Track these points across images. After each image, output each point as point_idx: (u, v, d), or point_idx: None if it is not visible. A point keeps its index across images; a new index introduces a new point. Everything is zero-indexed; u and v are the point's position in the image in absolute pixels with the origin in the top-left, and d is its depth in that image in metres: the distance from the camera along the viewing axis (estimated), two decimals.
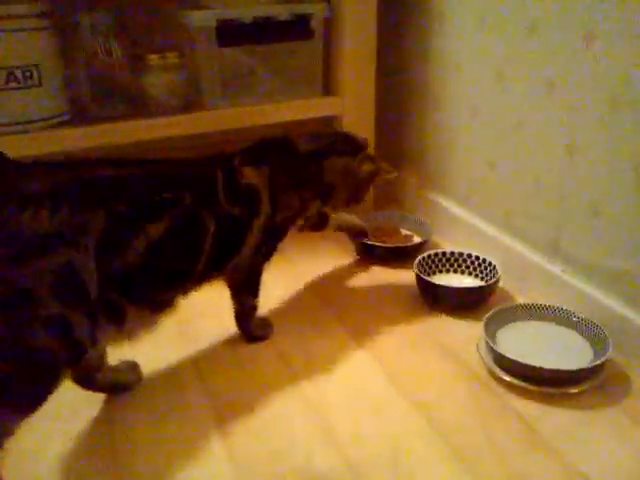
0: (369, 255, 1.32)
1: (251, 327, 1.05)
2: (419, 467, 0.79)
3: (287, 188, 1.01)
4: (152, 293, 0.85)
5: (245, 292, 1.03)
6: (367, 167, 1.10)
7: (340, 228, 1.27)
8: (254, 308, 1.05)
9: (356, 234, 1.31)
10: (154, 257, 0.80)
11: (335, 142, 1.11)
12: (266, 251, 1.02)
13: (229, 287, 1.02)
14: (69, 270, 0.69)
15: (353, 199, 1.13)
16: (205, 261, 0.88)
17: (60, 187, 0.73)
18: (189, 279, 0.89)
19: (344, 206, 1.14)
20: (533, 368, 0.89)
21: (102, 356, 0.90)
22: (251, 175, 0.95)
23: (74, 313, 0.69)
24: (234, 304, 1.04)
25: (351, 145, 1.11)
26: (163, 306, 0.87)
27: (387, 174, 1.16)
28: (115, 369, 0.93)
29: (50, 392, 0.70)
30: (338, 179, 1.08)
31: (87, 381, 0.89)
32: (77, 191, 0.74)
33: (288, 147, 1.04)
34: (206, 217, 0.87)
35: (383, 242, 1.32)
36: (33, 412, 0.69)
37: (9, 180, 0.71)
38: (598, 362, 0.90)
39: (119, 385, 0.93)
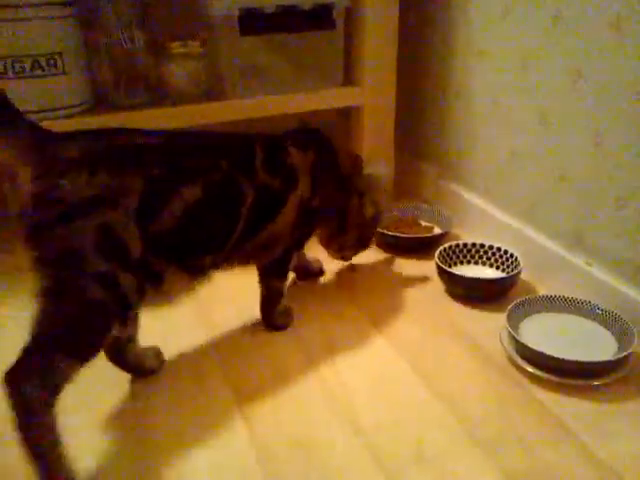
0: (389, 246, 1.32)
1: (274, 314, 1.06)
2: (442, 456, 0.79)
3: (327, 181, 1.04)
4: (189, 257, 0.86)
5: (274, 275, 1.04)
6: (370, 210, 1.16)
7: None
8: (280, 294, 1.05)
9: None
10: (191, 221, 0.82)
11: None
12: (299, 236, 1.04)
13: (259, 270, 1.03)
14: (109, 230, 0.73)
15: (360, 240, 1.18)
16: (241, 228, 0.89)
17: (97, 153, 0.76)
18: (224, 246, 0.90)
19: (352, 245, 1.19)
20: (557, 359, 0.89)
21: (133, 336, 0.92)
22: (296, 156, 0.98)
23: (118, 270, 0.74)
24: (261, 289, 1.05)
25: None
26: (198, 272, 0.89)
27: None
28: (141, 353, 0.95)
29: (103, 341, 0.76)
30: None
31: (118, 358, 0.91)
32: (114, 156, 0.77)
33: (330, 144, 1.08)
34: (243, 184, 0.88)
35: (403, 233, 1.32)
36: (88, 360, 0.73)
37: (50, 149, 0.73)
38: (622, 354, 0.90)
39: (143, 369, 0.95)
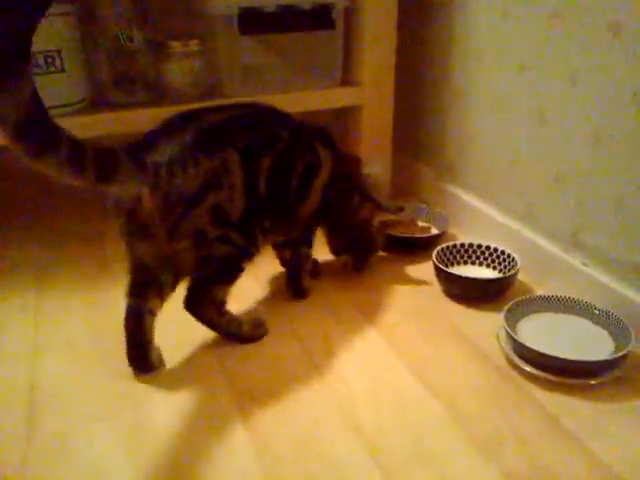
0: (387, 246, 1.32)
1: (302, 278, 1.15)
2: (442, 456, 0.79)
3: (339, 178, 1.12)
4: (269, 218, 1.01)
5: (304, 243, 1.13)
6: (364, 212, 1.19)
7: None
8: (308, 257, 1.15)
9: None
10: (269, 186, 0.97)
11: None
12: (323, 210, 1.11)
13: (288, 242, 1.14)
14: (218, 208, 0.91)
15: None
16: (294, 197, 1.04)
17: (187, 144, 0.87)
18: (285, 212, 1.05)
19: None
20: (555, 359, 0.89)
21: (154, 310, 0.95)
22: (320, 149, 1.07)
23: (228, 231, 0.94)
24: (291, 257, 1.15)
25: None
26: (267, 235, 1.02)
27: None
28: (153, 345, 0.96)
29: (238, 273, 0.98)
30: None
31: (136, 331, 0.94)
32: (200, 141, 0.88)
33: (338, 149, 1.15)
34: (297, 157, 1.02)
35: (400, 233, 1.32)
36: (233, 284, 0.98)
37: (147, 164, 0.84)
38: (620, 354, 0.90)
39: (147, 360, 0.95)
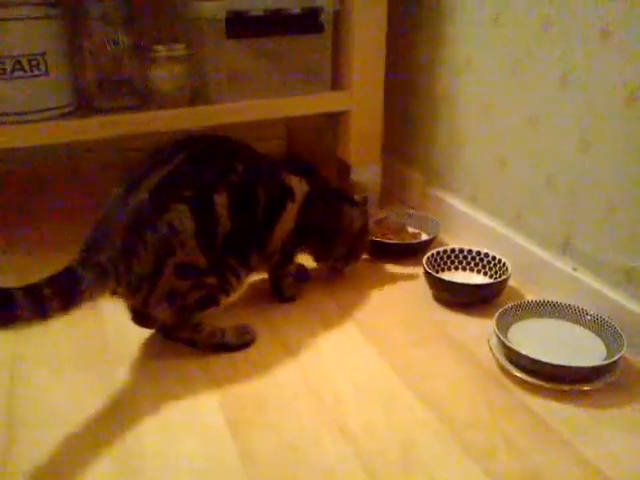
0: (376, 253, 1.31)
1: (284, 291, 1.14)
2: (430, 461, 0.78)
3: (318, 205, 1.10)
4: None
5: (280, 268, 1.12)
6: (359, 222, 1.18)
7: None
8: (289, 273, 1.14)
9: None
10: (235, 223, 0.95)
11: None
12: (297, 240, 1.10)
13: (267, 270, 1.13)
14: (180, 266, 0.91)
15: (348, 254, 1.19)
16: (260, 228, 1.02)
17: (131, 228, 0.87)
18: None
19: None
20: (546, 364, 0.88)
21: None
22: (293, 180, 1.06)
23: (202, 277, 0.94)
24: (271, 276, 1.14)
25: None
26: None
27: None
28: None
29: (216, 306, 0.98)
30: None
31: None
32: (147, 214, 0.88)
33: (321, 176, 1.14)
34: (258, 188, 0.99)
35: (390, 240, 1.31)
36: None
37: (95, 260, 0.85)
38: (612, 360, 0.89)
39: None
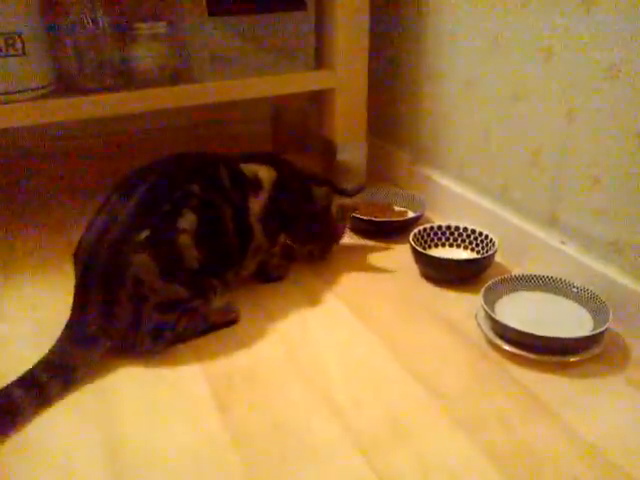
0: (363, 231, 1.30)
1: (269, 271, 1.13)
2: (420, 436, 0.78)
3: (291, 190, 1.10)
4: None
5: (265, 253, 1.08)
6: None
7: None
8: (272, 254, 1.10)
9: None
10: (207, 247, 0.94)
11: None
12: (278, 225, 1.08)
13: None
14: (158, 305, 0.91)
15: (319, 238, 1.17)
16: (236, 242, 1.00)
17: (109, 292, 0.89)
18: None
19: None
20: (533, 336, 0.88)
21: None
22: (258, 169, 1.05)
23: (185, 304, 0.94)
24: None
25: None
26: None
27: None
28: None
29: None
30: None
31: None
32: (110, 275, 0.88)
33: (288, 163, 1.14)
34: (221, 202, 0.97)
35: (376, 218, 1.30)
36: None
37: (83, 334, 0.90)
38: (598, 331, 0.89)
39: None
